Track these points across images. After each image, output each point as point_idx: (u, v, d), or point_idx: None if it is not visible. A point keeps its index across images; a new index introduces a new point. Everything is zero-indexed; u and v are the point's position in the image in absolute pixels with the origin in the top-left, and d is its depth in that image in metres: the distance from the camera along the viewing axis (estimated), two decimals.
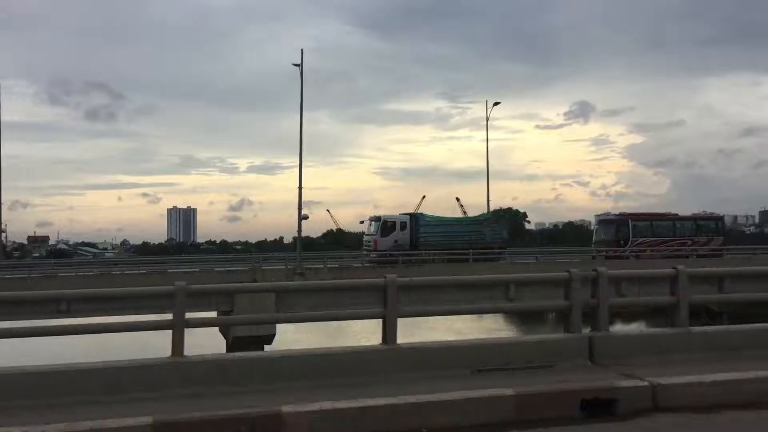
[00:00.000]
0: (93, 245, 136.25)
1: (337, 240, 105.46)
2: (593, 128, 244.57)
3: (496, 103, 55.05)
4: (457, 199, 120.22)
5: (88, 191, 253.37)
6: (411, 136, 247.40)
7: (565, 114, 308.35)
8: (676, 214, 49.82)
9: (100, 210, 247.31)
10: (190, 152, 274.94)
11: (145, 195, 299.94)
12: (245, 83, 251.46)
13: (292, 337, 27.93)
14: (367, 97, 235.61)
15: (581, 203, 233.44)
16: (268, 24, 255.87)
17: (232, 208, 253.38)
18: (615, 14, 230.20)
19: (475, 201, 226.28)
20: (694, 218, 48.54)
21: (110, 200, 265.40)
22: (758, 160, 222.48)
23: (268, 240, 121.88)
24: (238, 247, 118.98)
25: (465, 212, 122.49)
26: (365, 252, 41.04)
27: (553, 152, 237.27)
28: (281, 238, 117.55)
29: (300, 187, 38.46)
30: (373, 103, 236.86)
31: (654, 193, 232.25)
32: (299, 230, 39.04)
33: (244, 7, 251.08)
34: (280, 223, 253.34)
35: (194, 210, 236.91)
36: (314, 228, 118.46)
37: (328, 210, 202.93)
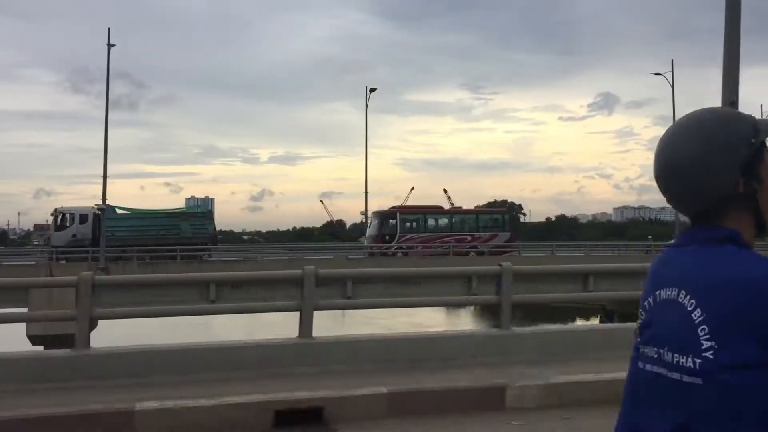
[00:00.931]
0: None
1: (332, 232, 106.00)
2: (617, 120, 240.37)
3: (372, 89, 50.92)
4: (444, 191, 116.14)
5: (111, 180, 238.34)
6: (432, 127, 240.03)
7: (588, 105, 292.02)
8: (459, 208, 46.45)
9: (123, 199, 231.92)
10: (212, 142, 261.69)
11: (167, 184, 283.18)
12: (267, 73, 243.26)
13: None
14: (388, 88, 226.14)
15: (604, 196, 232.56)
16: (288, 13, 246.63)
17: (254, 198, 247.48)
18: (638, 4, 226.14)
19: (499, 193, 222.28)
20: (476, 212, 45.13)
21: (133, 189, 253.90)
22: None
23: (280, 230, 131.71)
24: (245, 237, 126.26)
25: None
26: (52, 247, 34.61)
27: (576, 144, 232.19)
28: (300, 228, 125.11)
29: (104, 179, 32.12)
30: (394, 94, 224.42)
31: None
32: (103, 226, 32.68)
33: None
34: (299, 213, 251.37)
35: (212, 200, 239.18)
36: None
37: (321, 201, 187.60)
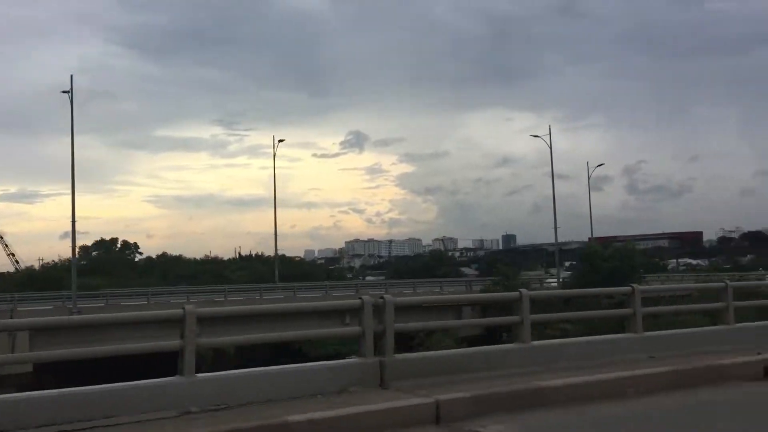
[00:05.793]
0: None
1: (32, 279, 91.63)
2: (368, 158, 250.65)
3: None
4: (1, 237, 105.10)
5: None
6: (185, 164, 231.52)
7: (341, 143, 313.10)
8: None
9: None
10: None
11: None
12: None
13: None
14: (137, 122, 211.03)
15: (358, 230, 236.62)
16: (27, 40, 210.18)
17: None
18: (385, 51, 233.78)
19: (257, 229, 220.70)
20: None
21: None
22: (511, 188, 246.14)
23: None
24: None
25: (6, 245, 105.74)
26: None
27: (331, 181, 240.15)
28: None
29: None
30: (144, 129, 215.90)
31: (424, 219, 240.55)
32: None
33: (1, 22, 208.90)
34: (39, 254, 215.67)
35: None
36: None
37: (1, 236, 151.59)
